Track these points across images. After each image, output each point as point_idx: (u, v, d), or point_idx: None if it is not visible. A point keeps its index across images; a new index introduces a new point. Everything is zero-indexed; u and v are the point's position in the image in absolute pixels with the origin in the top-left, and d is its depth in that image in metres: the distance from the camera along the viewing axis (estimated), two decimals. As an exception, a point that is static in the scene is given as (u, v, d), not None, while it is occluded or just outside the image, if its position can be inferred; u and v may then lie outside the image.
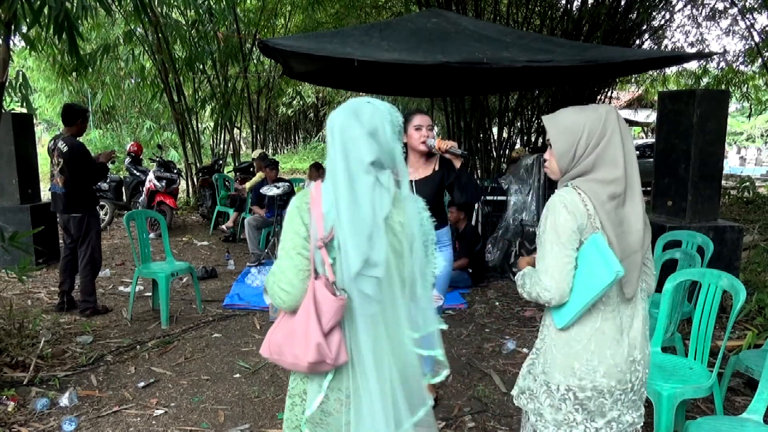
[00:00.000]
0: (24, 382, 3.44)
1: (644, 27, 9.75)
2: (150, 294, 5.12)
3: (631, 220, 1.64)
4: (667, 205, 4.76)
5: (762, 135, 26.33)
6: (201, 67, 10.45)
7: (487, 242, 6.33)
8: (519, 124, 10.34)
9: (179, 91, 10.23)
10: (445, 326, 1.72)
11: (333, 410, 1.55)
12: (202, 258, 7.08)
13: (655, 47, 10.93)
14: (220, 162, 10.37)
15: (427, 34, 5.17)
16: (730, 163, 22.10)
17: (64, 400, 3.24)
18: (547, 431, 1.74)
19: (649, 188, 5.07)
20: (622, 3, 8.76)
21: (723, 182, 5.89)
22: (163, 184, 8.29)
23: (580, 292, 1.62)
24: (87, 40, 10.97)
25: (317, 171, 7.71)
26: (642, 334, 1.73)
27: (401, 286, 1.54)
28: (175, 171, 8.72)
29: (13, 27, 3.53)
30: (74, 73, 9.82)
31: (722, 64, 12.22)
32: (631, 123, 21.76)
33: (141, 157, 9.83)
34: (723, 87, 12.19)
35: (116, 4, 6.36)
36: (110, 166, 6.46)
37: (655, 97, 9.85)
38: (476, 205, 6.44)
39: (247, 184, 7.92)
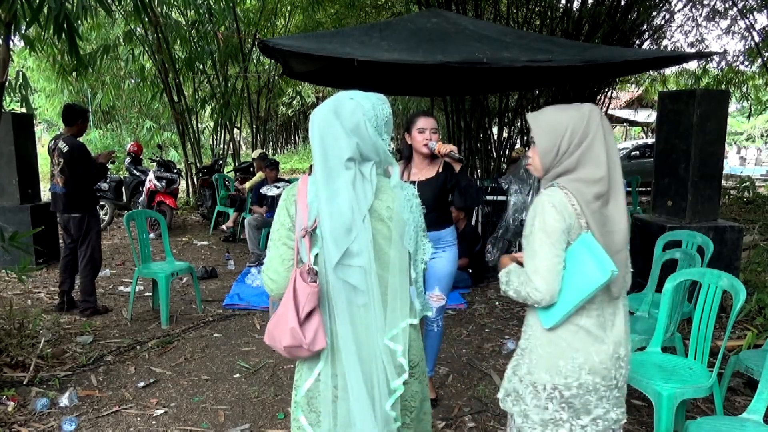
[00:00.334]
0: (24, 382, 3.44)
1: (644, 27, 9.74)
2: (150, 294, 5.12)
3: (615, 219, 1.65)
4: (667, 205, 4.76)
5: (762, 135, 26.33)
6: (201, 67, 10.45)
7: (487, 242, 6.31)
8: (519, 124, 10.33)
9: (179, 91, 10.23)
10: (430, 312, 1.77)
11: (321, 395, 1.59)
12: (202, 258, 7.08)
13: (655, 47, 10.93)
14: (220, 162, 10.37)
15: (427, 34, 5.17)
16: (730, 163, 22.08)
17: (64, 400, 3.24)
18: (533, 431, 1.75)
19: (649, 188, 5.07)
20: (622, 3, 8.76)
21: (723, 182, 5.89)
22: (163, 184, 8.29)
23: (569, 293, 1.62)
24: (87, 40, 10.98)
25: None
26: (624, 330, 1.74)
27: (393, 273, 1.58)
28: (175, 171, 8.72)
29: (13, 27, 3.54)
30: (74, 73, 9.83)
31: (722, 63, 12.22)
32: (631, 123, 21.79)
33: (141, 157, 9.83)
34: (723, 87, 12.20)
35: (116, 4, 6.36)
36: (110, 166, 6.47)
37: (655, 97, 9.85)
38: (476, 205, 6.44)
39: (247, 184, 7.92)
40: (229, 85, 10.88)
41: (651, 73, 13.28)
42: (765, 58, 10.28)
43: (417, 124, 2.96)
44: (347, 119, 1.54)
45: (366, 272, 1.53)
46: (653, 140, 8.20)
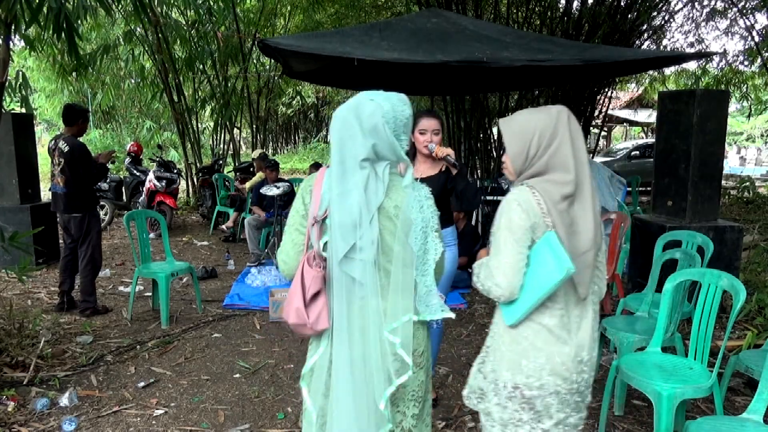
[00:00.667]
0: (24, 382, 3.44)
1: (644, 27, 9.74)
2: (150, 294, 5.12)
3: (581, 220, 1.65)
4: (667, 205, 4.76)
5: (762, 135, 26.33)
6: (201, 67, 10.45)
7: (486, 242, 6.33)
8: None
9: (179, 91, 10.23)
10: (452, 315, 1.74)
11: (320, 371, 1.70)
12: (202, 258, 7.08)
13: (655, 47, 10.92)
14: (220, 162, 10.37)
15: (427, 34, 5.17)
16: (730, 163, 22.09)
17: (64, 400, 3.24)
18: (494, 430, 1.76)
19: (649, 188, 5.07)
20: (622, 3, 8.76)
21: (723, 182, 5.88)
22: (163, 184, 8.28)
23: (530, 290, 1.64)
24: (87, 40, 10.97)
25: (317, 171, 7.71)
26: (590, 335, 1.73)
27: (396, 268, 1.64)
28: (175, 171, 8.71)
29: (13, 27, 3.54)
30: (74, 73, 9.82)
31: (722, 63, 12.22)
32: (631, 123, 21.78)
33: (141, 157, 9.82)
34: (723, 87, 12.19)
35: (116, 4, 6.36)
36: (110, 166, 6.46)
37: (655, 97, 9.85)
38: (476, 205, 6.44)
39: (247, 184, 7.93)
40: (229, 85, 10.88)
41: (651, 73, 13.28)
42: (765, 58, 10.28)
43: (419, 125, 2.96)
44: (366, 120, 1.61)
45: (369, 266, 1.60)
46: (653, 140, 8.21)
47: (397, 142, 1.65)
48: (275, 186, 6.64)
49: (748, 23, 10.31)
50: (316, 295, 1.63)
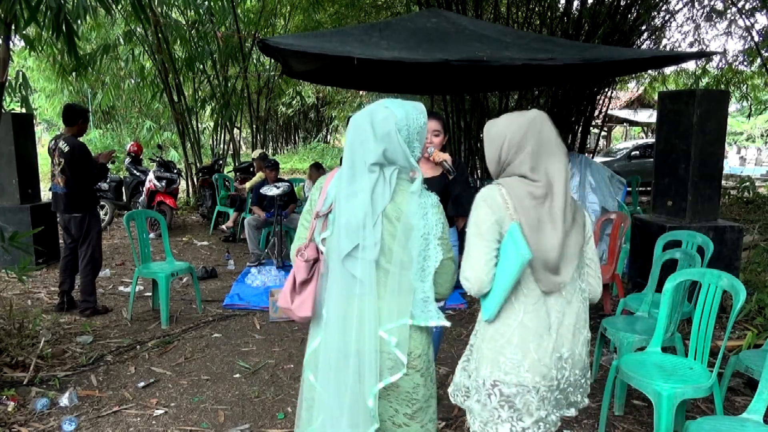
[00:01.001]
0: (24, 382, 3.44)
1: (644, 27, 9.74)
2: (150, 294, 5.12)
3: (548, 226, 1.67)
4: (667, 205, 4.76)
5: (762, 135, 26.34)
6: (201, 67, 10.44)
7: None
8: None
9: (179, 91, 10.23)
10: (447, 323, 1.76)
11: (315, 357, 1.78)
12: (202, 258, 7.08)
13: (654, 47, 10.92)
14: (220, 162, 10.37)
15: (427, 33, 5.17)
16: (730, 163, 22.09)
17: (64, 400, 3.24)
18: (474, 426, 1.78)
19: (649, 188, 5.07)
20: (622, 3, 8.76)
21: (723, 182, 5.89)
22: (163, 184, 8.28)
23: (497, 283, 1.68)
24: (87, 40, 10.98)
25: (317, 171, 7.71)
26: (572, 332, 1.74)
27: (395, 269, 1.67)
28: (175, 171, 8.71)
29: (13, 27, 3.53)
30: (74, 73, 9.83)
31: (722, 63, 12.21)
32: (631, 123, 21.79)
33: (141, 157, 9.82)
34: (722, 87, 12.19)
35: (116, 4, 6.36)
36: (110, 166, 6.47)
37: (655, 97, 9.85)
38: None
39: (247, 184, 7.92)
40: (229, 85, 10.88)
41: (651, 72, 13.28)
42: (764, 58, 10.28)
43: None
44: (379, 126, 1.67)
45: (370, 265, 1.65)
46: (653, 140, 8.21)
47: (409, 150, 1.70)
48: (275, 186, 6.64)
49: (747, 23, 10.31)
50: (306, 284, 1.74)
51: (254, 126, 12.67)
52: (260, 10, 10.41)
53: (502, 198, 1.69)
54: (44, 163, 8.44)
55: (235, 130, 12.04)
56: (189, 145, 10.86)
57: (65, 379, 3.57)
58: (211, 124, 14.25)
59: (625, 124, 22.80)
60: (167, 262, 4.88)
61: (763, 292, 4.58)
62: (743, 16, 10.16)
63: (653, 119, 15.67)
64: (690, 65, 13.17)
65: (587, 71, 6.07)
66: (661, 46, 11.09)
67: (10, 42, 3.63)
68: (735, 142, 26.30)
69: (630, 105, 20.55)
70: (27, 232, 4.61)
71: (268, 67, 12.08)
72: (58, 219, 5.21)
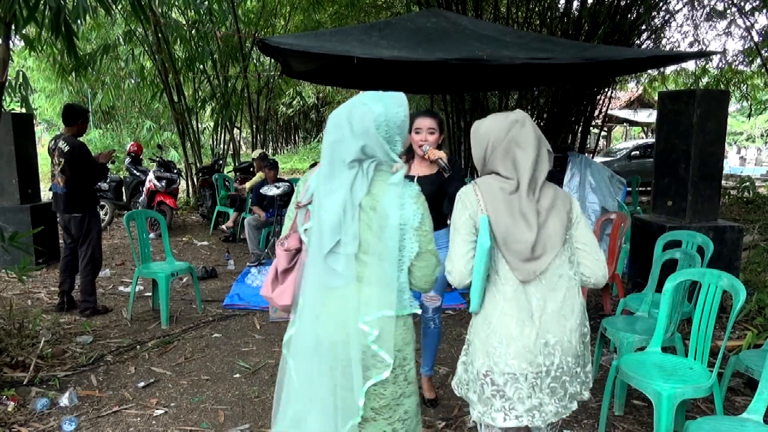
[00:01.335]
0: (24, 382, 3.44)
1: (644, 27, 9.74)
2: (150, 294, 5.12)
3: (518, 212, 1.76)
4: (667, 205, 4.76)
5: (762, 135, 26.33)
6: (201, 67, 10.45)
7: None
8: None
9: (179, 91, 10.23)
10: (418, 310, 1.78)
11: (288, 344, 1.81)
12: (202, 258, 7.08)
13: (654, 47, 10.92)
14: (220, 162, 10.37)
15: (427, 33, 5.17)
16: (730, 163, 22.08)
17: (64, 400, 3.24)
18: (474, 416, 1.86)
19: (649, 188, 5.07)
20: (622, 3, 8.76)
21: (723, 182, 5.88)
22: (163, 184, 8.28)
23: (474, 272, 1.78)
24: (87, 40, 10.99)
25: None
26: (556, 318, 1.76)
27: (372, 260, 1.67)
28: (175, 171, 8.71)
29: (13, 27, 3.53)
30: (74, 73, 9.82)
31: (722, 63, 12.21)
32: (631, 123, 21.78)
33: (141, 157, 9.82)
34: (722, 87, 12.19)
35: (116, 4, 6.36)
36: (110, 166, 6.46)
37: (655, 97, 9.85)
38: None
39: (247, 184, 7.92)
40: (229, 85, 10.88)
41: (651, 72, 13.29)
42: (764, 58, 10.28)
43: (414, 125, 2.93)
44: (357, 123, 1.66)
45: (351, 260, 1.67)
46: (653, 140, 8.20)
47: (390, 144, 1.69)
48: (275, 186, 6.64)
49: (747, 23, 10.31)
50: (287, 273, 1.79)
51: (254, 126, 12.67)
52: (260, 11, 10.41)
53: (474, 195, 1.81)
54: (44, 163, 8.44)
55: (235, 130, 12.05)
56: (189, 145, 10.86)
57: (65, 379, 3.57)
58: (211, 124, 14.25)
59: (625, 124, 22.80)
60: (167, 262, 4.88)
61: (763, 292, 4.58)
62: (743, 16, 10.15)
63: (653, 119, 15.67)
64: (690, 65, 13.19)
65: (587, 71, 6.07)
66: (660, 46, 11.09)
67: (10, 42, 3.63)
68: (735, 142, 26.30)
69: (630, 105, 20.55)
70: (27, 232, 4.60)
71: (268, 67, 12.08)
72: (58, 219, 5.22)
